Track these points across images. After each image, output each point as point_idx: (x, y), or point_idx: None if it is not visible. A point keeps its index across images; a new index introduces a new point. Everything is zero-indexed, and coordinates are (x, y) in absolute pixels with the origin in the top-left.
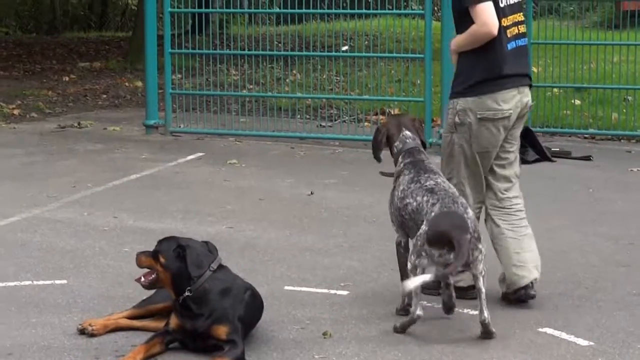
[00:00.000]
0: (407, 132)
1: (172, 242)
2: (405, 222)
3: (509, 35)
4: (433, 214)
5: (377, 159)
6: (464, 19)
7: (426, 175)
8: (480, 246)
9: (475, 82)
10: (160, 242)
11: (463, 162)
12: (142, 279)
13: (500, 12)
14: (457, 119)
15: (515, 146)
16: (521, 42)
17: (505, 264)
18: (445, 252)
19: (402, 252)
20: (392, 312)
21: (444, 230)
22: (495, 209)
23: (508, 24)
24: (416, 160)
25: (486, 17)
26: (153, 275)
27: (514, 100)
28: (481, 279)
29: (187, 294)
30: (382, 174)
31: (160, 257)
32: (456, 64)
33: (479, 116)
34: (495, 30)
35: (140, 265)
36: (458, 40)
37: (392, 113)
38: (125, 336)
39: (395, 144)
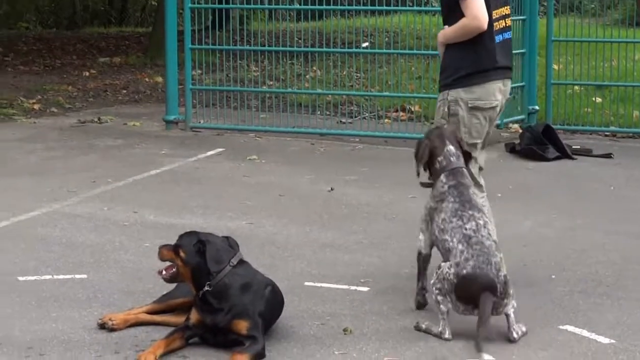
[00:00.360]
0: (451, 148)
1: (193, 237)
2: (436, 246)
3: (496, 29)
4: (465, 271)
5: (418, 173)
6: (453, 12)
7: (470, 213)
8: (506, 300)
9: (466, 73)
10: (181, 236)
11: None
12: (164, 272)
13: (490, 6)
14: (449, 109)
15: (489, 135)
16: (507, 35)
17: None
18: (470, 308)
19: (422, 260)
20: (412, 308)
21: (472, 293)
22: None
23: (495, 17)
24: (460, 186)
25: (477, 11)
26: (174, 269)
27: (500, 92)
28: (511, 312)
29: (206, 288)
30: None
31: (181, 252)
32: (442, 57)
33: (470, 105)
34: (485, 24)
35: (162, 258)
36: (447, 33)
37: (434, 126)
38: (145, 331)
39: (439, 158)
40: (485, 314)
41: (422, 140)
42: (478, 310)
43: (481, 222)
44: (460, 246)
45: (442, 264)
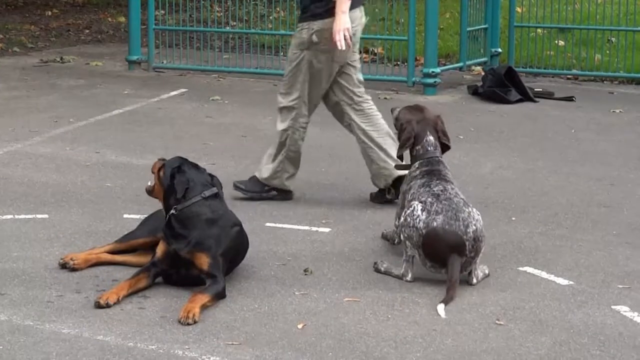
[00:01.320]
0: (431, 138)
1: (176, 162)
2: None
3: None
4: (435, 223)
5: (401, 158)
6: None
7: (437, 182)
8: (476, 257)
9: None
10: (172, 158)
11: (309, 79)
12: (149, 183)
13: None
14: (313, 38)
15: (358, 53)
16: None
17: (377, 161)
18: (437, 267)
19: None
20: (372, 250)
21: (439, 252)
22: (358, 114)
23: None
24: (433, 170)
25: None
26: (152, 184)
27: (361, 18)
28: (477, 259)
29: (172, 211)
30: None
31: (161, 171)
32: None
33: None
34: None
35: (152, 169)
36: None
37: (414, 106)
38: (106, 270)
39: (417, 147)
40: (453, 277)
41: (405, 127)
42: (446, 271)
43: (449, 186)
44: (430, 199)
45: (414, 202)
